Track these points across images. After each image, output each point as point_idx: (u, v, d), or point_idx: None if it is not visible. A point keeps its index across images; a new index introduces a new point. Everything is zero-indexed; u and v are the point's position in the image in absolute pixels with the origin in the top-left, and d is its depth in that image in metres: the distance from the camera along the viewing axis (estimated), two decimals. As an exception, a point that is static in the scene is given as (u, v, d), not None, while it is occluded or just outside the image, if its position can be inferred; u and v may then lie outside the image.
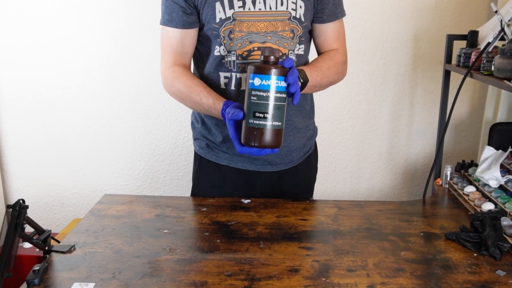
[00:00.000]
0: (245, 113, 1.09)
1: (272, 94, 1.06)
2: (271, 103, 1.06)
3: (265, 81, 1.06)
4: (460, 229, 1.24)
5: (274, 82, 1.06)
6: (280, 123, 1.08)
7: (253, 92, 1.07)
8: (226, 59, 1.32)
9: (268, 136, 1.07)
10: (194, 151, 1.52)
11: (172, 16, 1.30)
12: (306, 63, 1.41)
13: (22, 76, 2.16)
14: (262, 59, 1.09)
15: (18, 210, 1.00)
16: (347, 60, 1.42)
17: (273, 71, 1.06)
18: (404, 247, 1.17)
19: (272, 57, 1.08)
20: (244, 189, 1.46)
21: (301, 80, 1.16)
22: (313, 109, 1.50)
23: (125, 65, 2.14)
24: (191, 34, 1.33)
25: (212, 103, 1.24)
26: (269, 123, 1.07)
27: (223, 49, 1.31)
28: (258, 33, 1.29)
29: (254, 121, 1.07)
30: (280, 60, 1.10)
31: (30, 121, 2.21)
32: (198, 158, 1.50)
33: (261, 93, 1.06)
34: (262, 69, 1.06)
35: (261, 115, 1.06)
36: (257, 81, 1.06)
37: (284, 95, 1.08)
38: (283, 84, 1.07)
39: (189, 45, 1.34)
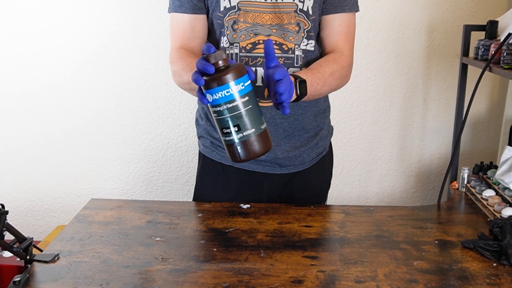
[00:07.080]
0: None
1: (233, 104, 0.95)
2: (235, 114, 0.95)
3: (216, 94, 0.95)
4: (478, 236, 1.24)
5: (226, 91, 0.94)
6: (254, 129, 0.97)
7: (211, 109, 0.98)
8: (228, 52, 1.33)
9: (250, 148, 0.98)
10: (199, 150, 1.53)
11: (181, 1, 1.34)
12: (317, 58, 1.40)
13: (1, 72, 2.16)
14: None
15: (-3, 216, 1.00)
16: (353, 63, 1.40)
17: (224, 79, 0.94)
18: (417, 256, 1.17)
19: (220, 61, 0.96)
20: (249, 192, 1.46)
21: (298, 93, 1.13)
22: (328, 108, 1.51)
23: (113, 59, 2.14)
24: (201, 20, 1.36)
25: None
26: (242, 134, 0.97)
27: (226, 40, 1.33)
28: (263, 25, 1.31)
29: (226, 138, 0.99)
30: (230, 61, 0.98)
31: (10, 120, 2.21)
32: (202, 158, 1.51)
33: (220, 108, 0.96)
34: (211, 83, 0.94)
35: (228, 130, 0.97)
36: (209, 97, 0.96)
37: (247, 98, 0.96)
38: (241, 86, 0.95)
39: (199, 30, 1.37)
